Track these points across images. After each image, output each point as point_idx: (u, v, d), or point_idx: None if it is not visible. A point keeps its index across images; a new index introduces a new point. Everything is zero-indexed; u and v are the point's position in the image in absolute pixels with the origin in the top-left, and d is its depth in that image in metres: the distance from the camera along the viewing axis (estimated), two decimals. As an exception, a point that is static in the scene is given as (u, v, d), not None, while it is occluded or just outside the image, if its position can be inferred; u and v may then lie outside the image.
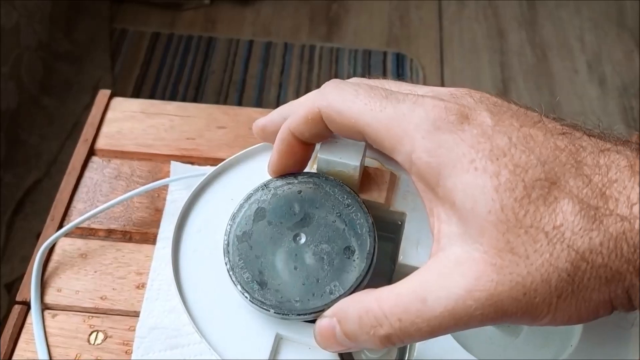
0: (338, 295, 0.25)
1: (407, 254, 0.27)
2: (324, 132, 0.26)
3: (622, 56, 1.39)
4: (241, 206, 0.27)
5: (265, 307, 0.25)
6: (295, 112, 0.26)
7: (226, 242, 0.26)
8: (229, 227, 0.27)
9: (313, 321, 0.26)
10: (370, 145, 0.29)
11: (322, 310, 0.24)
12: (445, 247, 0.22)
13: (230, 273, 0.26)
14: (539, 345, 0.28)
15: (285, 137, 0.27)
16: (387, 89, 0.25)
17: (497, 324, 0.21)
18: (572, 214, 0.19)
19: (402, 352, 0.27)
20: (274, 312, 0.25)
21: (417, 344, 0.26)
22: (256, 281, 0.25)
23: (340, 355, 0.26)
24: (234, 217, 0.27)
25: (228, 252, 0.26)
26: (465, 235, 0.21)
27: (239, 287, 0.25)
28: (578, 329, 0.27)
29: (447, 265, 0.21)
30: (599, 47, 1.41)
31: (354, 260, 0.25)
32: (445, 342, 0.26)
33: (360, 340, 0.22)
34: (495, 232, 0.20)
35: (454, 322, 0.20)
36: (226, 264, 0.26)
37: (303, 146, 0.27)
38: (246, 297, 0.25)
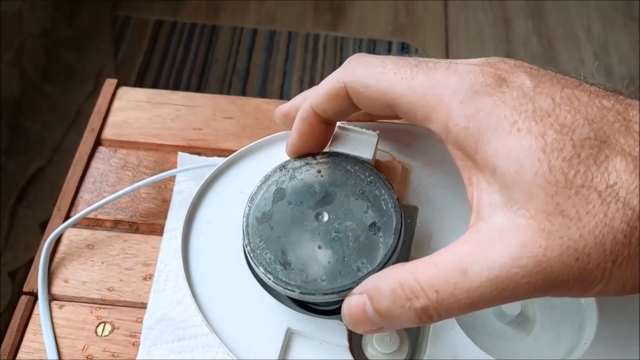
0: (366, 272, 0.23)
1: (419, 248, 0.27)
2: (348, 108, 0.25)
3: (629, 47, 1.38)
4: (259, 188, 0.26)
5: (290, 288, 0.24)
6: (317, 89, 0.25)
7: (245, 224, 0.25)
8: (247, 209, 0.26)
9: (333, 312, 0.25)
10: (383, 137, 0.28)
11: (350, 289, 0.23)
12: (486, 216, 0.20)
13: (251, 255, 0.25)
14: (551, 343, 0.27)
15: (307, 116, 0.26)
16: (416, 59, 0.24)
17: (545, 296, 0.20)
18: (626, 172, 0.18)
19: (413, 347, 0.27)
20: (300, 293, 0.23)
21: (429, 342, 0.26)
22: (279, 262, 0.24)
23: (352, 350, 0.26)
24: (252, 199, 0.26)
25: (248, 233, 0.25)
26: (510, 203, 0.20)
27: (261, 268, 0.24)
28: (593, 327, 0.26)
29: (488, 234, 0.20)
30: (606, 37, 1.39)
31: (381, 237, 0.24)
32: (458, 339, 0.26)
33: (394, 315, 0.21)
34: (544, 194, 0.19)
35: (497, 293, 0.19)
36: (246, 246, 0.25)
37: (324, 126, 0.26)
38: (269, 279, 0.24)
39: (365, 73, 0.24)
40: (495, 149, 0.20)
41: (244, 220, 0.26)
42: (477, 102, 0.21)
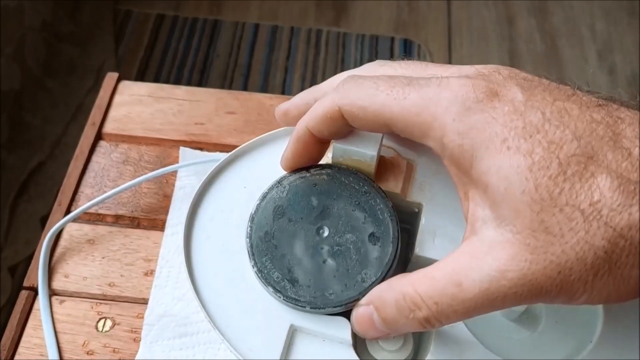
0: (370, 282, 0.25)
1: (423, 245, 0.27)
2: (343, 129, 0.26)
3: (633, 45, 1.37)
4: (258, 206, 0.27)
5: (300, 305, 0.25)
6: (313, 110, 0.26)
7: (249, 244, 0.26)
8: (249, 229, 0.26)
9: (340, 313, 0.25)
10: (388, 134, 0.28)
11: (357, 300, 0.24)
12: (479, 230, 0.22)
13: (259, 275, 0.25)
14: (557, 341, 0.27)
15: (302, 135, 0.26)
16: (408, 76, 0.24)
17: (533, 303, 0.21)
18: (609, 190, 0.19)
19: (417, 346, 0.27)
20: (310, 308, 0.25)
21: (433, 339, 0.25)
22: (287, 279, 0.25)
23: (355, 347, 0.25)
24: (252, 219, 0.27)
25: (253, 254, 0.26)
26: (499, 219, 0.21)
27: (270, 288, 0.25)
28: (599, 325, 0.26)
29: (480, 248, 0.21)
30: (610, 35, 1.39)
31: (380, 246, 0.25)
32: (463, 338, 0.26)
33: (399, 324, 0.22)
34: (529, 212, 0.20)
35: (489, 303, 0.20)
36: (253, 266, 0.26)
37: (319, 144, 0.27)
38: (279, 297, 0.25)
39: (359, 95, 0.24)
40: (488, 167, 0.21)
41: (248, 240, 0.26)
42: (470, 119, 0.21)
